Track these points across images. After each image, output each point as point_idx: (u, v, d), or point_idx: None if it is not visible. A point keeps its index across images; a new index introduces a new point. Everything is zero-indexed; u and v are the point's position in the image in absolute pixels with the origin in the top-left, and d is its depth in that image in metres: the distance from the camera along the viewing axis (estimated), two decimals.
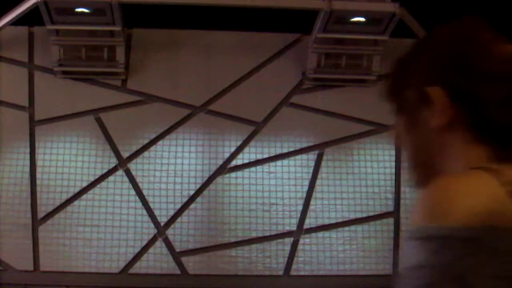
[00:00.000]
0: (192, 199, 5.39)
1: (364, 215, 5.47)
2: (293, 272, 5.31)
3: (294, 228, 5.40)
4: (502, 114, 1.02)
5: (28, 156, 5.36)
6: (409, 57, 1.13)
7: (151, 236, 5.27)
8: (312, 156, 5.56)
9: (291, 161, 5.54)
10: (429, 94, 1.05)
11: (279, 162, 5.53)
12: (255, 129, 5.57)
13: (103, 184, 5.34)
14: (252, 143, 5.54)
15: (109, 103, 5.51)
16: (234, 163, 5.49)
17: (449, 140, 1.05)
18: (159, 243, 5.26)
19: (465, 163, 1.01)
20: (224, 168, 5.47)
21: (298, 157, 5.55)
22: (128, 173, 5.39)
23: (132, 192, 5.34)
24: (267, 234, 5.36)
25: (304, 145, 5.58)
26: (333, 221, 5.44)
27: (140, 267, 5.21)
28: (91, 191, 5.32)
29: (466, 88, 1.03)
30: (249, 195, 5.43)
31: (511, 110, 1.02)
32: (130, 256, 5.22)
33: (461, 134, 1.04)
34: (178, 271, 5.23)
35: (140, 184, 5.37)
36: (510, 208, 0.89)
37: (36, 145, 5.39)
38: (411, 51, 1.14)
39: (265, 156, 5.52)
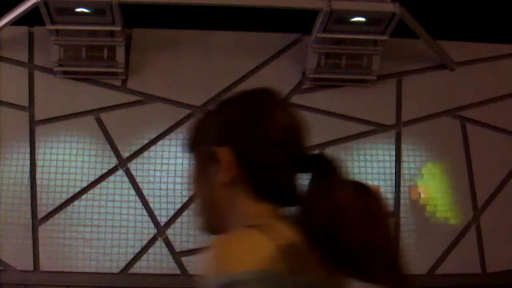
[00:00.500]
0: (192, 199, 5.38)
1: None
2: None
3: None
4: (277, 178, 1.19)
5: (28, 156, 5.36)
6: (206, 118, 1.28)
7: (151, 236, 5.27)
8: None
9: None
10: (217, 153, 1.19)
11: None
12: None
13: (103, 184, 5.34)
14: None
15: (109, 103, 5.51)
16: None
17: (233, 196, 1.19)
18: (159, 243, 5.26)
19: (247, 218, 1.15)
20: None
21: None
22: (128, 173, 5.39)
23: (132, 192, 5.34)
24: None
25: None
26: None
27: (140, 267, 5.21)
28: (91, 191, 5.33)
29: (248, 152, 1.18)
30: None
31: (285, 175, 1.20)
32: (130, 256, 5.22)
33: (244, 191, 1.18)
34: (178, 271, 5.23)
35: (140, 184, 5.37)
36: (278, 258, 1.04)
37: (36, 145, 5.39)
38: (208, 112, 1.28)
39: None
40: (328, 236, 1.15)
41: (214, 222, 1.24)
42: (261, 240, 1.07)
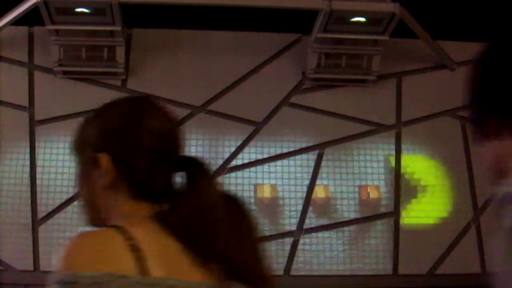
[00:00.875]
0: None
1: (364, 215, 5.47)
2: (293, 272, 5.31)
3: (294, 228, 5.39)
4: (151, 180, 1.31)
5: (28, 156, 5.36)
6: (87, 124, 1.41)
7: None
8: (312, 156, 5.56)
9: (291, 161, 5.54)
10: (97, 159, 1.32)
11: (279, 162, 5.53)
12: (255, 129, 5.57)
13: None
14: (252, 143, 5.54)
15: None
16: (234, 163, 5.49)
17: (112, 197, 1.32)
18: None
19: (122, 216, 1.28)
20: (224, 168, 5.47)
21: (298, 157, 5.55)
22: None
23: None
24: (267, 234, 5.36)
25: (304, 145, 5.58)
26: (333, 221, 5.44)
27: None
28: None
29: (124, 157, 1.31)
30: (249, 195, 5.43)
31: (160, 177, 1.32)
32: None
33: (122, 192, 1.31)
34: None
35: None
36: (128, 258, 1.14)
37: (36, 145, 5.39)
38: (89, 118, 1.42)
39: (265, 156, 5.52)
40: (194, 233, 1.26)
41: (96, 218, 1.38)
42: (116, 240, 1.17)
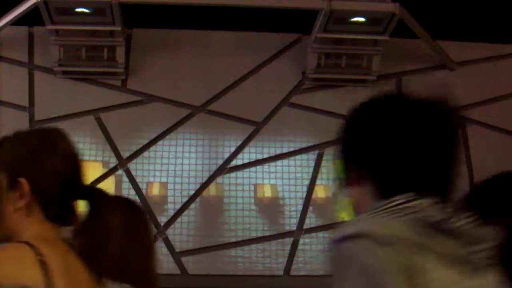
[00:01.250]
0: (192, 199, 5.39)
1: None
2: (293, 272, 5.31)
3: (294, 228, 5.39)
4: (58, 204, 1.46)
5: None
6: (3, 148, 1.50)
7: None
8: (312, 156, 5.56)
9: (291, 161, 5.54)
10: (18, 182, 1.43)
11: (279, 162, 5.53)
12: (255, 129, 5.57)
13: (103, 184, 5.34)
14: (252, 143, 5.54)
15: (109, 103, 5.51)
16: (234, 163, 5.49)
17: (25, 217, 1.44)
18: (159, 243, 5.26)
19: (31, 236, 1.39)
20: (224, 168, 5.47)
21: (298, 157, 5.55)
22: (128, 173, 5.39)
23: (132, 192, 5.34)
24: (267, 234, 5.36)
25: (304, 145, 5.58)
26: (333, 221, 5.43)
27: None
28: None
29: (40, 182, 1.44)
30: (249, 195, 5.43)
31: (65, 201, 1.47)
32: None
33: (34, 213, 1.44)
34: (178, 271, 5.23)
35: (140, 184, 5.37)
36: (37, 272, 1.29)
37: None
38: (5, 143, 1.52)
39: (265, 156, 5.52)
40: (93, 253, 1.43)
41: (1, 236, 1.48)
42: (27, 254, 1.30)
